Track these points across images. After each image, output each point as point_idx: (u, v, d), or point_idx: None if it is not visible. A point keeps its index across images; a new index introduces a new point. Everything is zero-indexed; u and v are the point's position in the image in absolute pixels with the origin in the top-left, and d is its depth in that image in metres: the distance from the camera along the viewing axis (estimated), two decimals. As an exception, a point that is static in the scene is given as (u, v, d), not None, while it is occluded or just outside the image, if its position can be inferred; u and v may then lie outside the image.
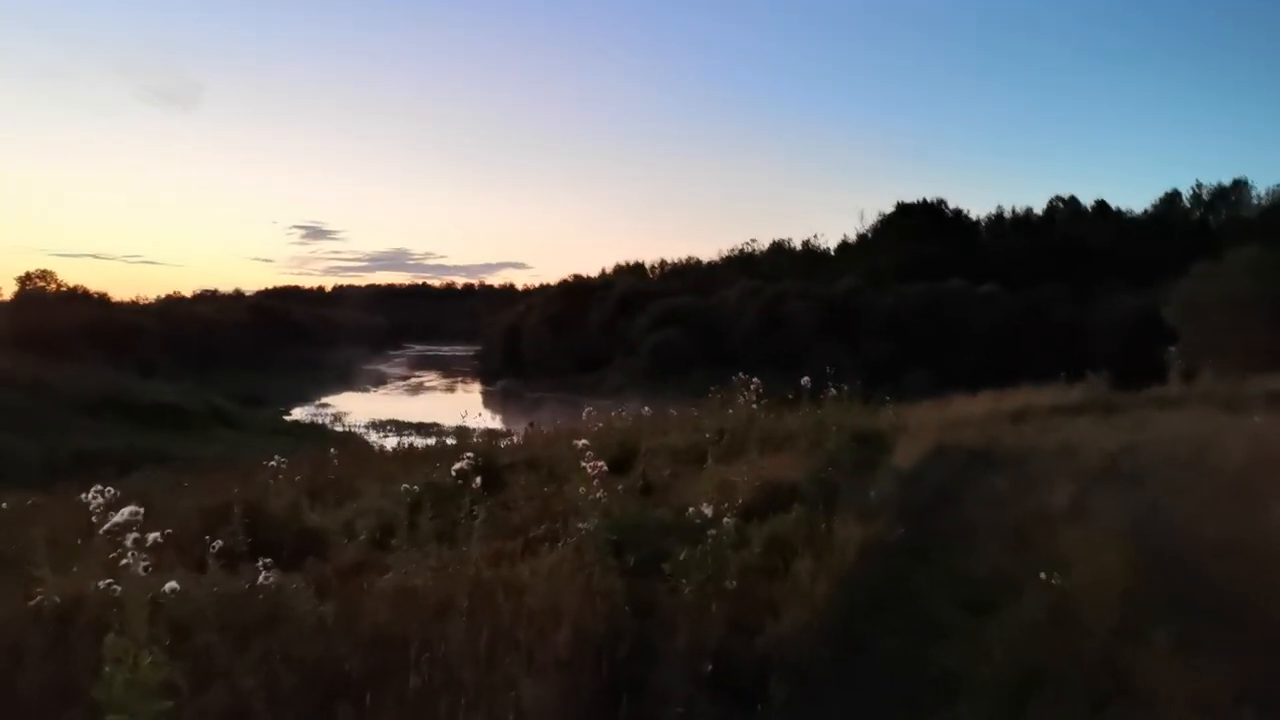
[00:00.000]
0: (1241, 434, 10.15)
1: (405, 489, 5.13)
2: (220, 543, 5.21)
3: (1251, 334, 23.09)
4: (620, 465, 9.85)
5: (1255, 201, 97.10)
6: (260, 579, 4.41)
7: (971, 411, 15.51)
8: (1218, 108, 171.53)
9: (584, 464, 5.44)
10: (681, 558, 4.56)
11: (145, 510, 3.61)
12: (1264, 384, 15.74)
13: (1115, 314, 66.84)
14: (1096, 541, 5.21)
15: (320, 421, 62.03)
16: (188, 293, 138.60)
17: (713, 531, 4.58)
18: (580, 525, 5.05)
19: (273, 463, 11.88)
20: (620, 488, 8.37)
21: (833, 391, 12.08)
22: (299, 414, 70.21)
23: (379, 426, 59.52)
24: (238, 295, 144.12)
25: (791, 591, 4.62)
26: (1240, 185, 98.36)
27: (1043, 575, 4.53)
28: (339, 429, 57.40)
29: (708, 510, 4.70)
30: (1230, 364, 17.83)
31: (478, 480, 5.04)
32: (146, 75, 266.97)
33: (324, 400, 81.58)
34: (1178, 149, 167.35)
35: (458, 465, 5.23)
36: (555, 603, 4.13)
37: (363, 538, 5.54)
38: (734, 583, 4.47)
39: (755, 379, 11.03)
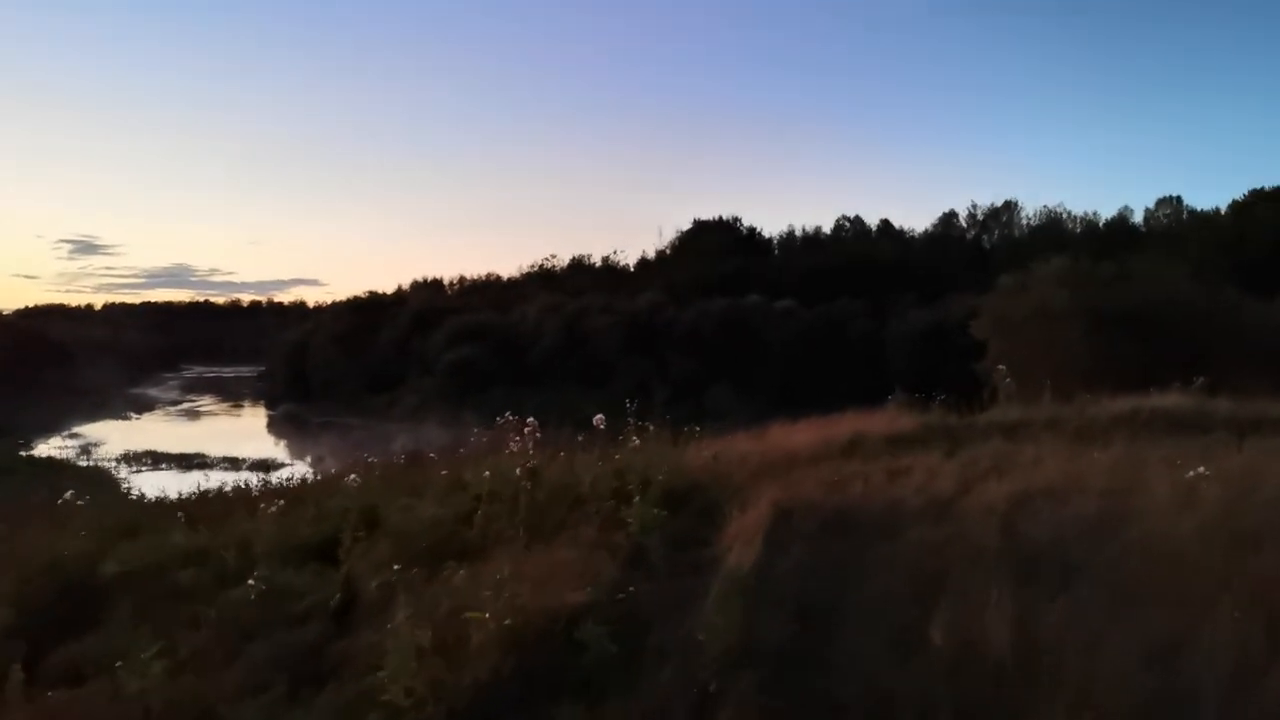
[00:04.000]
0: (1147, 478, 8.05)
1: None
2: None
3: (1067, 349, 22.34)
4: (334, 551, 6.70)
5: (1024, 221, 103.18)
6: None
7: (797, 443, 13.10)
8: (990, 129, 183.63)
9: None
10: None
11: None
12: (1109, 407, 14.12)
13: (907, 327, 68.22)
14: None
15: (66, 455, 54.53)
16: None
17: None
18: None
19: None
20: (305, 606, 5.24)
21: (637, 427, 9.38)
22: (46, 446, 61.80)
23: (135, 459, 52.88)
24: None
25: None
26: (1011, 205, 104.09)
27: None
28: (85, 463, 50.54)
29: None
30: (1054, 382, 16.32)
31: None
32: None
33: (77, 430, 72.66)
34: (955, 170, 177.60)
35: None
36: None
37: None
38: None
39: (532, 419, 8.08)
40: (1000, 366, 15.77)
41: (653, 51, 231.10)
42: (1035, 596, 5.27)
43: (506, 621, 4.14)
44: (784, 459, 11.80)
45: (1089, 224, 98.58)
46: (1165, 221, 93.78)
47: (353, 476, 8.82)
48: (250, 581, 5.25)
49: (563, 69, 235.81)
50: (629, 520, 6.14)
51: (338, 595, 5.25)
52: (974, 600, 5.09)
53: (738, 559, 5.34)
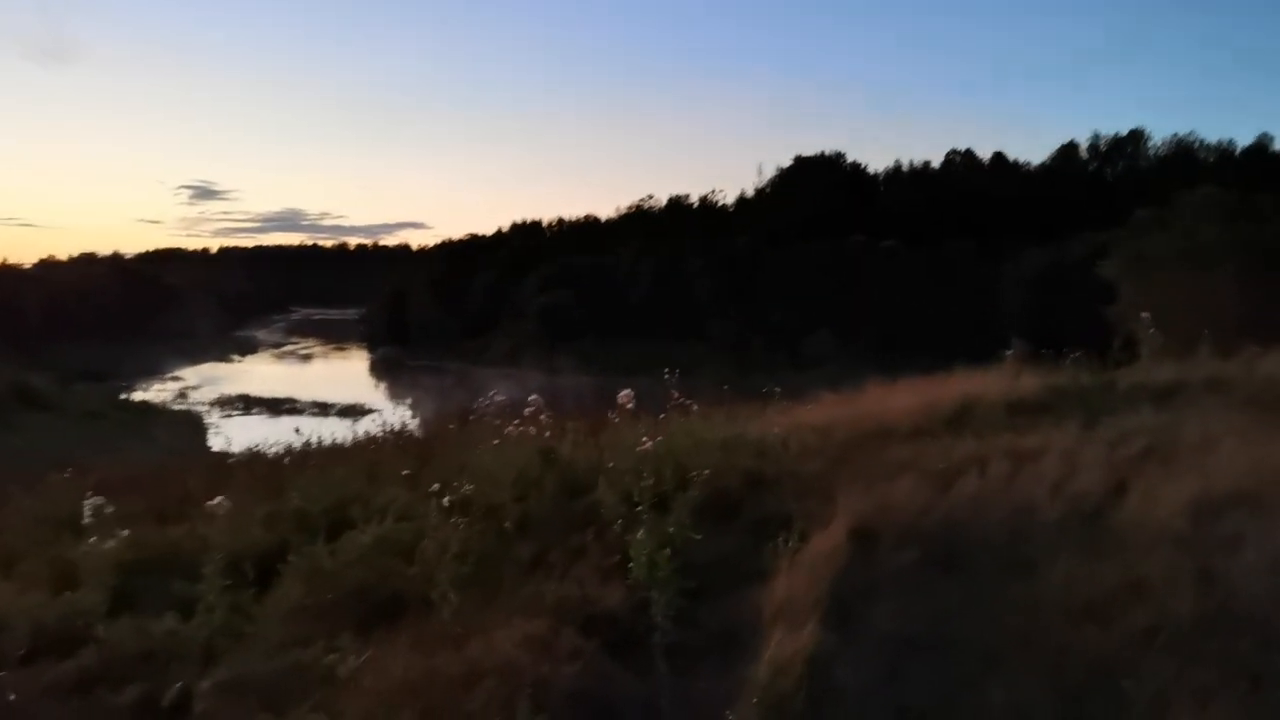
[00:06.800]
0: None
1: None
2: None
3: (1217, 292, 19.34)
4: (268, 568, 4.97)
5: (1152, 152, 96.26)
6: None
7: (894, 409, 10.94)
8: (1113, 53, 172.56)
9: None
10: None
11: None
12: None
13: (1022, 268, 64.10)
14: None
15: (161, 400, 55.21)
16: (64, 256, 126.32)
17: None
18: None
19: None
20: (130, 699, 3.48)
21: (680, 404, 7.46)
22: (145, 390, 62.87)
23: (228, 404, 53.20)
24: (115, 258, 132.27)
25: None
26: (1137, 135, 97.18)
27: None
28: (179, 408, 51.01)
29: None
30: (1204, 331, 13.63)
31: None
32: (21, 29, 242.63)
33: (180, 373, 74.04)
34: (1075, 100, 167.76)
35: None
36: None
37: None
38: None
39: (535, 396, 6.21)
40: (1144, 314, 13.16)
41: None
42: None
43: None
44: (877, 431, 9.73)
45: (1224, 153, 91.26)
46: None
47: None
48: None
49: (661, 7, 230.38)
50: (638, 565, 4.14)
51: (179, 685, 3.52)
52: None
53: (780, 652, 3.36)
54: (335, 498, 6.33)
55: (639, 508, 4.48)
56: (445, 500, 4.85)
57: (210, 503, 4.35)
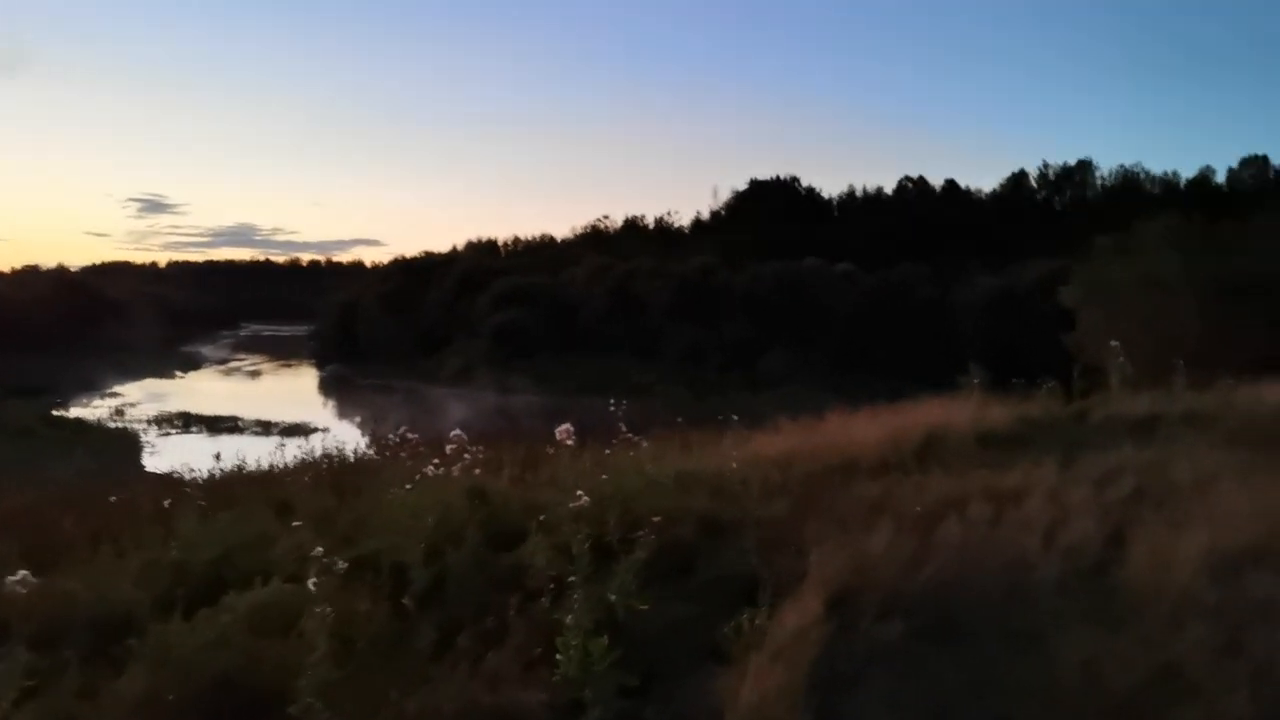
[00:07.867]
0: None
1: None
2: None
3: (1178, 322, 19.06)
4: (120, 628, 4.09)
5: (1099, 182, 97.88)
6: None
7: (857, 442, 10.27)
8: (1063, 85, 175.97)
9: None
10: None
11: None
12: (1263, 398, 11.09)
13: (975, 294, 64.36)
14: None
15: (97, 416, 53.13)
16: (6, 268, 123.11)
17: None
18: None
19: None
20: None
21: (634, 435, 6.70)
22: (81, 406, 60.53)
23: (166, 421, 51.35)
24: (59, 271, 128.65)
25: None
26: (1085, 165, 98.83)
27: None
28: (114, 425, 49.11)
29: None
30: (1163, 360, 13.27)
31: None
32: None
33: (119, 389, 71.58)
34: (1025, 129, 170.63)
35: None
36: None
37: None
38: None
39: (458, 431, 5.41)
40: (1114, 342, 12.71)
41: (710, 9, 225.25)
42: None
43: None
44: (842, 465, 9.07)
45: (1169, 185, 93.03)
46: (1250, 182, 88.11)
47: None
48: None
49: (621, 29, 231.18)
50: (568, 664, 3.28)
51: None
52: None
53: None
54: (223, 547, 5.45)
55: (574, 576, 3.68)
56: (337, 562, 4.00)
57: (12, 578, 3.47)
